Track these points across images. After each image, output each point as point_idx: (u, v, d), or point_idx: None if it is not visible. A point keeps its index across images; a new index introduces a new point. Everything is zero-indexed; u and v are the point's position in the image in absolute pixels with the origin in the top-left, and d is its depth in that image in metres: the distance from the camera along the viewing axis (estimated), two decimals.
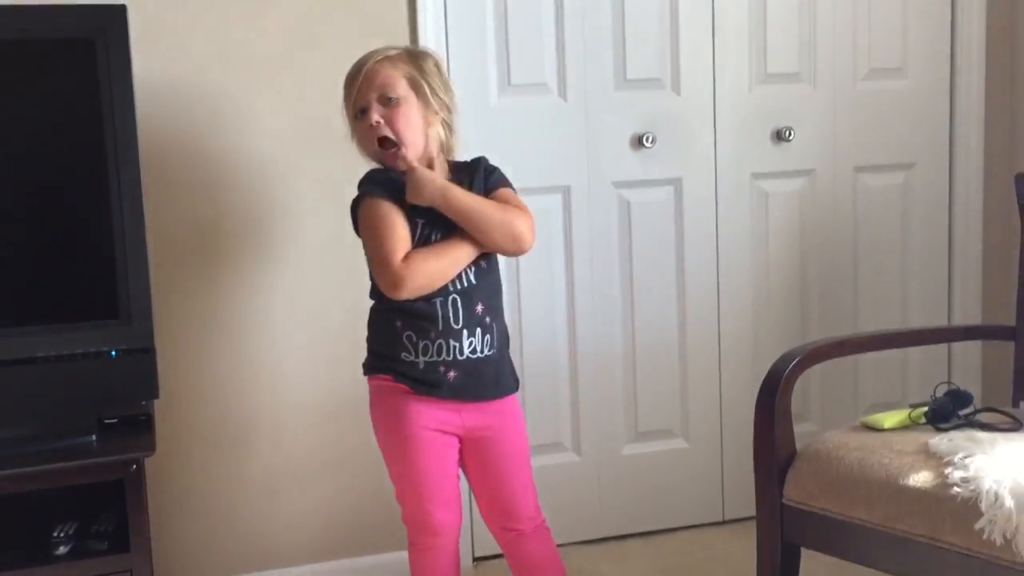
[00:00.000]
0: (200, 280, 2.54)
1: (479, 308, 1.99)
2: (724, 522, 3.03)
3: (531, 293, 2.83)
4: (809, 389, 3.06)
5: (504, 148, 2.75)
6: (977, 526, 1.82)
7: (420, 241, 1.96)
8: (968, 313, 3.14)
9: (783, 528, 2.14)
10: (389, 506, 2.56)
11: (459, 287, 1.97)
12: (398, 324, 1.98)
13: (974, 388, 3.04)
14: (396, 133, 1.93)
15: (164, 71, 2.46)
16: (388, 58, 1.96)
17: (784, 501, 2.13)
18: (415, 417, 2.00)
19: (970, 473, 1.88)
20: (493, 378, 2.03)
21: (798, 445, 2.18)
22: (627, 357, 2.93)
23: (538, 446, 2.87)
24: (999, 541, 1.79)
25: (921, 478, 1.93)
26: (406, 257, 1.92)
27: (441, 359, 1.97)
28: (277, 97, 2.56)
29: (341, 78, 2.54)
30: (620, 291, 2.90)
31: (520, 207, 2.02)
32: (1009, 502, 1.80)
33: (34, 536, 2.09)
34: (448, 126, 2.01)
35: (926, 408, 2.17)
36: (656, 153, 2.87)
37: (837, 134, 3.02)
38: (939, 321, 3.15)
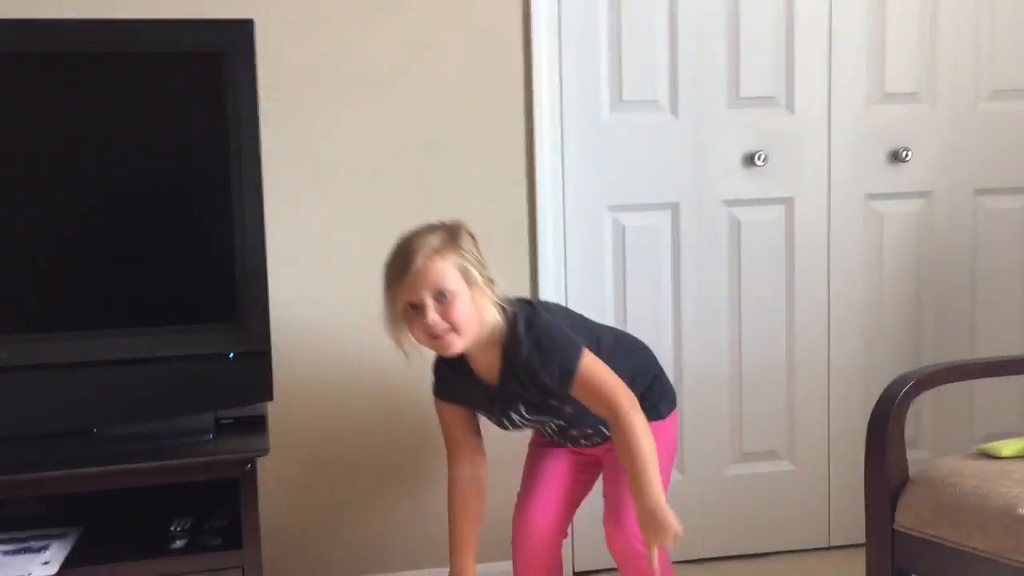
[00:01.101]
0: (315, 285, 2.61)
1: (574, 433, 2.12)
2: (830, 548, 2.96)
3: (637, 310, 2.82)
4: (922, 415, 2.98)
5: (614, 164, 2.77)
6: None
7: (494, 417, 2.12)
8: None
9: (894, 554, 2.09)
10: (498, 516, 2.58)
11: (545, 430, 2.16)
12: None
13: None
14: (454, 325, 1.92)
15: (286, 83, 2.53)
16: (436, 251, 1.93)
17: (895, 527, 2.08)
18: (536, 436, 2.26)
19: None
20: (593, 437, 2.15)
21: (910, 471, 2.13)
22: (733, 376, 2.90)
23: None
24: None
25: None
26: (452, 471, 2.16)
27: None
28: (393, 111, 2.61)
29: (457, 94, 2.62)
30: (728, 309, 2.88)
31: (611, 391, 1.97)
32: None
33: (151, 530, 2.16)
34: (498, 304, 1.98)
35: None
36: (768, 171, 2.85)
37: (957, 155, 2.95)
38: None
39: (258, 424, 2.25)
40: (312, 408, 2.63)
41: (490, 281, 1.98)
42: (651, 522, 1.87)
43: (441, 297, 1.91)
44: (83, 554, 2.10)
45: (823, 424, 2.95)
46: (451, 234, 1.97)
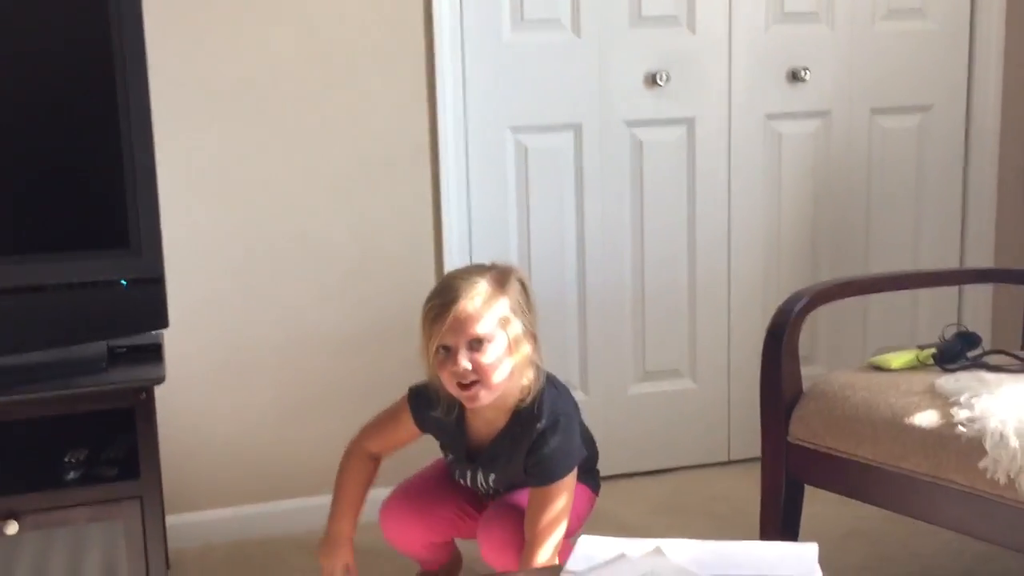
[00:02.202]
0: (210, 210, 2.55)
1: (493, 492, 2.06)
2: (729, 462, 3.04)
3: (541, 231, 2.82)
4: (818, 331, 3.06)
5: (516, 85, 2.75)
6: (981, 465, 1.82)
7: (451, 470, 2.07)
8: (980, 257, 3.12)
9: (788, 466, 2.15)
10: None
11: (474, 487, 2.07)
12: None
13: (984, 331, 3.01)
14: (482, 375, 1.84)
15: None
16: (480, 295, 1.84)
17: (789, 439, 2.13)
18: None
19: (975, 413, 1.88)
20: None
21: (805, 385, 2.18)
22: (636, 296, 2.93)
23: None
24: (1003, 480, 1.80)
25: (926, 417, 1.94)
26: (361, 446, 2.09)
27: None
28: (286, 26, 2.53)
29: (354, 9, 2.55)
30: (630, 230, 2.89)
31: (552, 523, 1.91)
32: (1014, 442, 1.80)
33: (45, 462, 2.11)
34: (535, 365, 1.91)
35: (934, 349, 2.16)
36: (669, 92, 2.85)
37: (853, 75, 2.98)
38: (951, 265, 3.13)
39: (153, 352, 2.20)
40: (210, 335, 2.58)
41: (532, 337, 1.89)
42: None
43: (477, 345, 1.82)
44: None
45: (723, 342, 3.00)
46: (501, 279, 1.88)
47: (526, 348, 1.89)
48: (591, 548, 1.56)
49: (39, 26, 2.06)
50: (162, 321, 2.17)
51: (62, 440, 2.17)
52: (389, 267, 2.64)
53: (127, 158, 2.08)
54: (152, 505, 2.08)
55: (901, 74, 3.03)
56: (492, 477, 2.01)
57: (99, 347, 2.19)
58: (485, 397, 1.86)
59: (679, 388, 3.00)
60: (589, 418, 2.88)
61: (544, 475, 1.92)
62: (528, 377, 1.90)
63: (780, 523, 2.15)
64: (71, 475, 2.06)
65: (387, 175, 2.64)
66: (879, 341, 3.11)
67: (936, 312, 3.12)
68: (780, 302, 2.25)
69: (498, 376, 1.84)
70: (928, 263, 3.12)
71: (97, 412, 2.08)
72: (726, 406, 3.03)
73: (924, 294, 3.09)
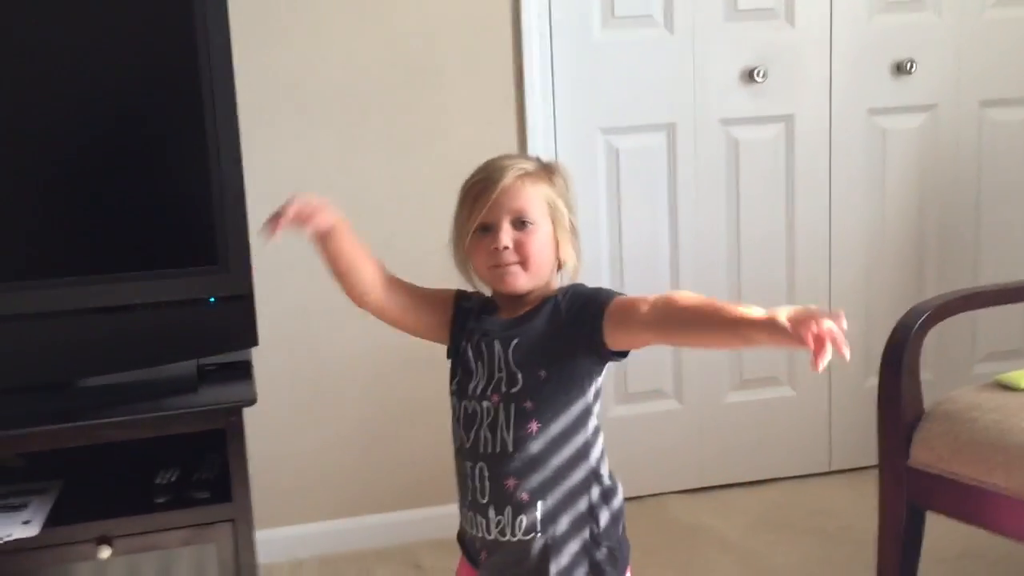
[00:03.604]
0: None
1: (509, 483, 1.63)
2: (830, 472, 2.92)
3: (633, 235, 2.73)
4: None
5: (606, 84, 2.65)
6: None
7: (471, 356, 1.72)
8: None
9: (907, 491, 2.02)
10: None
11: (485, 451, 1.64)
12: (457, 479, 1.74)
13: None
14: (525, 258, 1.63)
15: (260, 5, 2.38)
16: (528, 175, 1.65)
17: (910, 463, 2.01)
18: None
19: None
20: (534, 569, 1.62)
21: (926, 405, 2.06)
22: (732, 302, 2.81)
23: (639, 393, 2.81)
24: None
25: None
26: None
27: (475, 533, 1.68)
28: (374, 31, 2.47)
29: (442, 13, 2.47)
30: (726, 233, 2.78)
31: (647, 295, 1.60)
32: None
33: (136, 483, 2.07)
34: (575, 251, 1.69)
35: None
36: (767, 88, 2.72)
37: (962, 66, 2.83)
38: None
39: (243, 370, 2.15)
40: (297, 350, 2.53)
41: (574, 228, 1.70)
42: (788, 322, 1.33)
43: (520, 225, 1.63)
44: (65, 512, 2.01)
45: None
46: (547, 168, 1.71)
47: (568, 236, 1.67)
48: None
49: (125, 38, 2.01)
50: (251, 338, 2.12)
51: (151, 459, 2.13)
52: None
53: (215, 174, 2.03)
54: (244, 527, 2.03)
55: (1012, 64, 2.87)
56: (515, 342, 1.66)
57: (189, 366, 2.14)
58: (524, 282, 1.65)
59: (777, 396, 2.88)
60: (684, 428, 2.82)
61: (601, 295, 1.63)
62: (574, 262, 1.68)
63: (900, 551, 2.03)
64: (163, 498, 2.02)
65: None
66: (988, 346, 2.97)
67: None
68: (883, 308, 2.15)
69: (538, 259, 1.63)
70: None
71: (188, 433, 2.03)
72: (827, 414, 2.91)
73: None
